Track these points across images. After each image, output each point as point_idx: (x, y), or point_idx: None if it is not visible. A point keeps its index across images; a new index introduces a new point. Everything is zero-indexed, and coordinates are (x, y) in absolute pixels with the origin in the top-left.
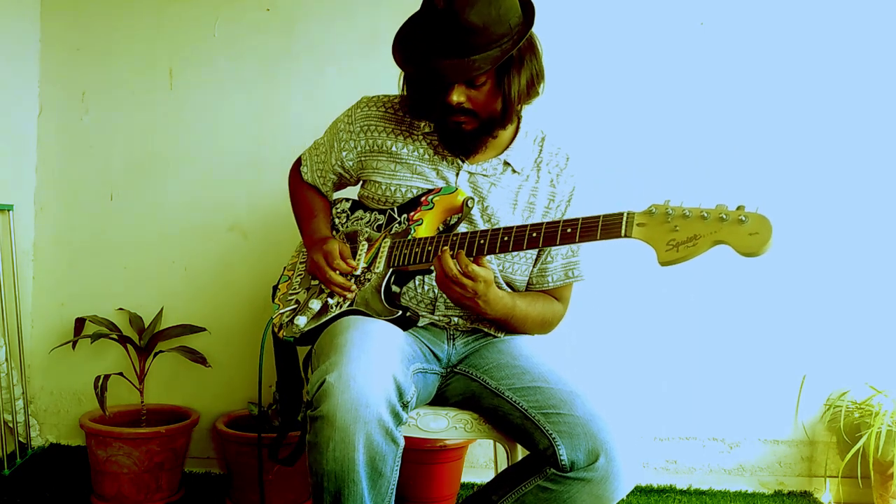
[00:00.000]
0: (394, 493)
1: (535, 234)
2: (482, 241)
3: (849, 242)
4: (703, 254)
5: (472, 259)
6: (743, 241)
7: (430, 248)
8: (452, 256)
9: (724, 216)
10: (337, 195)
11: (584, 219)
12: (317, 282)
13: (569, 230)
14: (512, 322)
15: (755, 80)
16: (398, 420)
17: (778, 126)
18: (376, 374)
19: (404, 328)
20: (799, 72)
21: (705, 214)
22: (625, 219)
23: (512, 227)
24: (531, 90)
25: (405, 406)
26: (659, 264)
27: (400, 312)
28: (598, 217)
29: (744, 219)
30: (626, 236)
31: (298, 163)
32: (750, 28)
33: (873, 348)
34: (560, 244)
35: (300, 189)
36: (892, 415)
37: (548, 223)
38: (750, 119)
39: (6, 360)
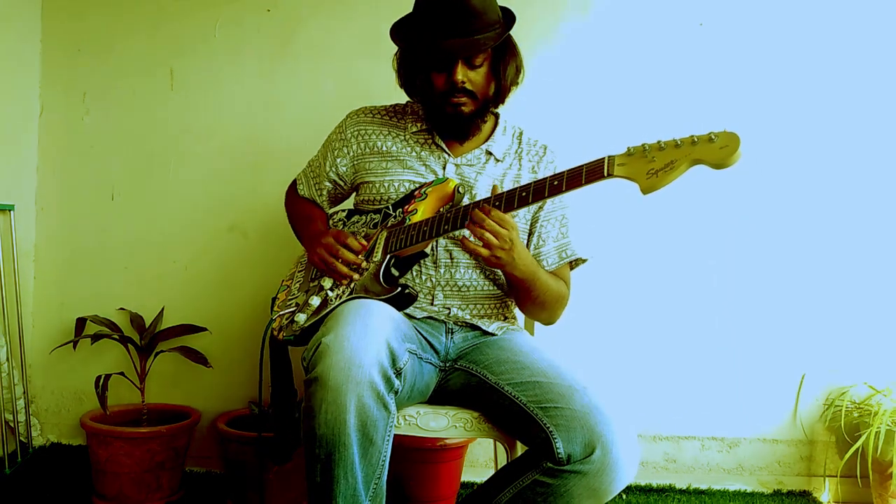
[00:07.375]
0: (385, 467)
1: (524, 194)
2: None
3: (849, 241)
4: (681, 176)
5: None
6: (714, 155)
7: (425, 227)
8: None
9: (696, 140)
10: (332, 211)
11: (567, 170)
12: (316, 282)
13: (555, 182)
14: (536, 287)
15: (755, 81)
16: (390, 385)
17: (777, 125)
18: (371, 338)
19: (404, 306)
20: (799, 72)
21: (678, 143)
22: (606, 161)
23: (502, 193)
24: (517, 77)
25: (398, 374)
26: (642, 193)
27: (399, 289)
28: (581, 166)
29: (713, 137)
30: (609, 176)
31: (294, 184)
32: (750, 28)
33: (873, 347)
34: (549, 196)
35: (297, 203)
36: (892, 414)
37: (535, 181)
38: (750, 119)
39: (7, 359)
